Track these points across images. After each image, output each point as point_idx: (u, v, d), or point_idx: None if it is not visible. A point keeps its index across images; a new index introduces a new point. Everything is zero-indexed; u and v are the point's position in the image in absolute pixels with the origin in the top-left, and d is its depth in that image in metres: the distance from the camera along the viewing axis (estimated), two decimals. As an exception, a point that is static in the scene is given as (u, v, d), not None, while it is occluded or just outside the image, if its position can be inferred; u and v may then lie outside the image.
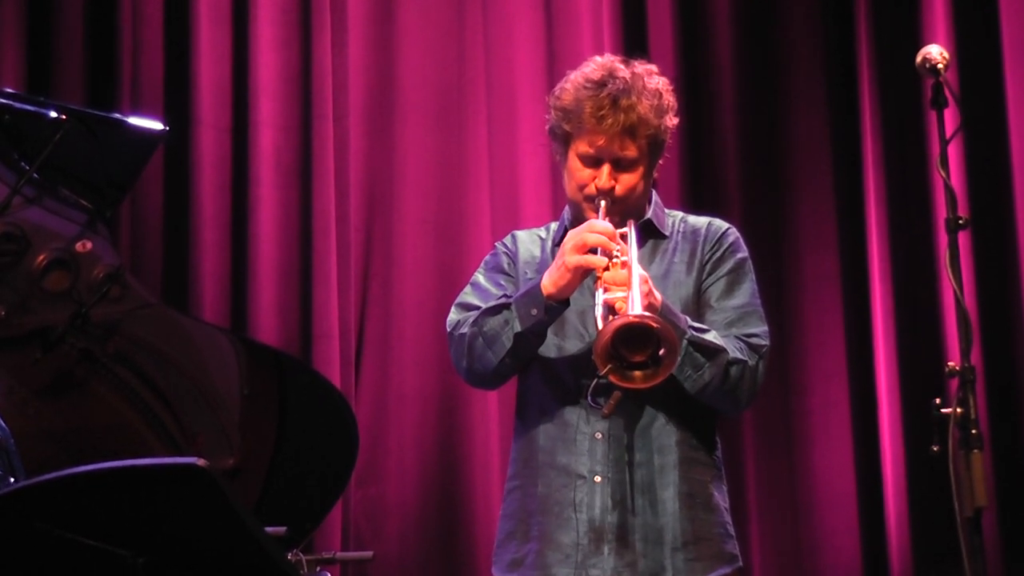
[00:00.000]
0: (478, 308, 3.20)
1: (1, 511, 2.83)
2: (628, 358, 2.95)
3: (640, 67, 3.23)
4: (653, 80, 3.22)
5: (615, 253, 3.06)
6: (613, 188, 3.18)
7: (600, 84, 3.17)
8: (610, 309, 2.99)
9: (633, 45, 5.01)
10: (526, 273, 3.29)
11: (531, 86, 5.30)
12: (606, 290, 3.02)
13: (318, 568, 3.76)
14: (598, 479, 3.14)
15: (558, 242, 3.22)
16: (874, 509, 5.08)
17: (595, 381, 3.04)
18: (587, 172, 3.19)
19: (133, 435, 3.99)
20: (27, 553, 2.90)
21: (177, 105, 5.14)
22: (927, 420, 2.83)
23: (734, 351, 3.13)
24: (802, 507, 5.17)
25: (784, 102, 5.36)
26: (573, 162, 3.21)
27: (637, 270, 3.01)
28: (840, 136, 5.32)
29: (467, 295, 3.30)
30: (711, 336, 3.12)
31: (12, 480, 3.51)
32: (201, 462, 2.70)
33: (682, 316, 3.11)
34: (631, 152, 3.17)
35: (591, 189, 3.19)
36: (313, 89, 5.21)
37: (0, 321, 3.88)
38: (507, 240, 3.39)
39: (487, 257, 3.40)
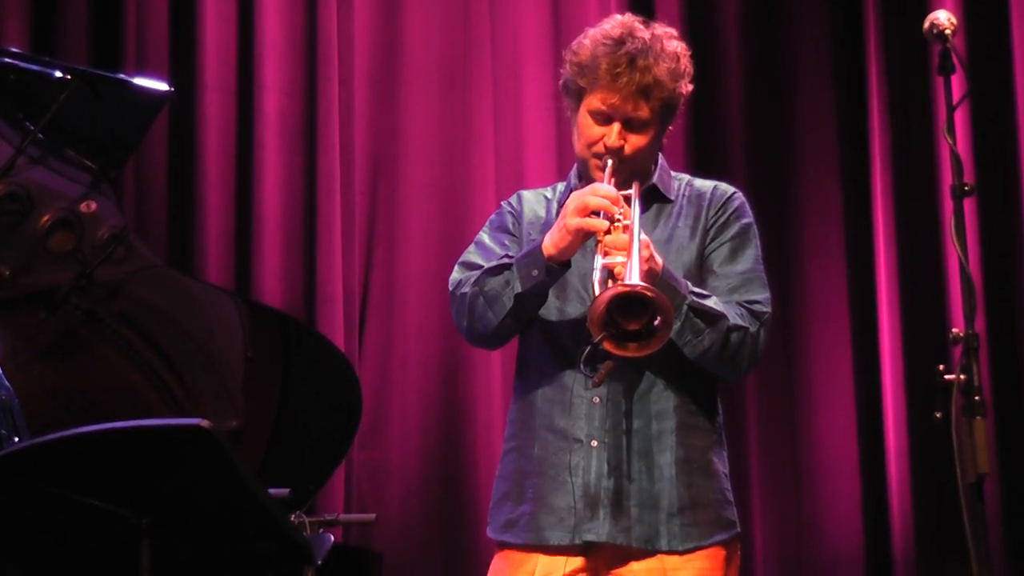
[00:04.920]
0: (481, 267, 3.19)
1: (5, 471, 2.84)
2: (623, 326, 2.94)
3: (660, 29, 3.21)
4: (672, 44, 3.19)
5: (617, 216, 3.04)
6: (622, 148, 3.16)
7: (619, 42, 3.15)
8: (609, 273, 2.98)
9: (639, 8, 4.98)
10: (530, 233, 3.28)
11: (536, 51, 5.28)
12: (606, 254, 3.00)
13: (321, 530, 3.77)
14: (594, 443, 3.13)
15: (563, 203, 3.21)
16: (877, 476, 5.10)
17: (588, 349, 3.01)
18: (597, 129, 3.17)
19: (137, 396, 4.00)
20: (32, 513, 2.91)
21: (182, 67, 5.13)
22: (930, 387, 2.83)
23: (735, 317, 3.12)
24: (805, 474, 5.18)
25: (790, 69, 5.34)
26: (584, 118, 3.19)
27: (638, 235, 2.99)
28: (846, 102, 5.31)
29: (471, 254, 3.29)
30: (712, 302, 3.11)
31: (16, 440, 3.52)
32: (205, 423, 2.70)
33: (683, 281, 3.10)
34: (643, 113, 3.15)
35: (599, 147, 3.17)
36: (318, 52, 5.20)
37: (4, 281, 3.88)
38: (512, 200, 3.38)
39: (492, 216, 3.38)
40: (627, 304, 2.91)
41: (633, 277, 2.90)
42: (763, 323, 3.17)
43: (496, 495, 3.28)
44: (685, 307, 3.05)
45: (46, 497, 2.85)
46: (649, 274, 2.96)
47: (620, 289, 2.90)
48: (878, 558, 5.08)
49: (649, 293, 2.89)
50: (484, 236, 3.33)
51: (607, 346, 2.94)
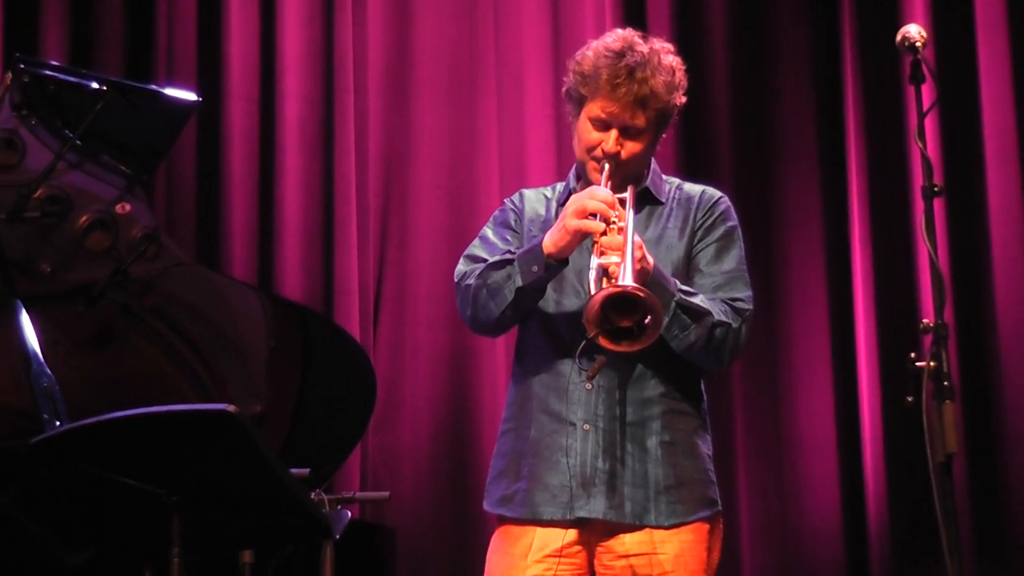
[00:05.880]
0: (484, 261, 3.20)
1: (48, 452, 2.85)
2: (616, 323, 2.95)
3: (658, 44, 3.21)
4: (668, 58, 3.20)
5: (613, 219, 3.05)
6: (618, 153, 3.17)
7: (619, 54, 3.15)
8: (604, 272, 2.99)
9: (632, 19, 4.99)
10: (531, 230, 3.29)
11: (537, 61, 5.29)
12: (602, 254, 3.01)
13: (339, 507, 3.78)
14: (586, 427, 3.14)
15: (563, 202, 3.22)
16: (853, 455, 5.10)
17: (583, 344, 3.03)
18: (596, 135, 3.18)
19: (168, 383, 4.01)
20: (71, 490, 2.92)
21: (209, 78, 5.14)
22: (903, 373, 2.84)
23: (719, 314, 3.13)
24: (786, 454, 5.18)
25: (773, 80, 5.34)
26: (584, 124, 3.20)
27: (632, 237, 3.00)
28: (825, 110, 5.31)
29: (475, 248, 3.30)
30: (698, 299, 3.12)
31: (58, 424, 3.53)
32: (231, 408, 2.71)
33: (672, 279, 3.11)
34: (640, 122, 3.16)
35: (598, 152, 3.18)
36: (335, 64, 5.21)
37: (46, 278, 3.89)
38: (515, 198, 3.39)
39: (495, 212, 3.39)
40: (620, 303, 2.92)
41: (627, 277, 2.91)
42: (745, 319, 3.18)
43: (493, 472, 3.30)
44: (673, 304, 3.06)
45: (84, 476, 2.86)
46: (641, 274, 2.97)
47: (614, 289, 2.91)
48: (855, 531, 5.09)
49: (641, 294, 2.90)
50: (488, 231, 3.34)
51: (601, 341, 2.95)
